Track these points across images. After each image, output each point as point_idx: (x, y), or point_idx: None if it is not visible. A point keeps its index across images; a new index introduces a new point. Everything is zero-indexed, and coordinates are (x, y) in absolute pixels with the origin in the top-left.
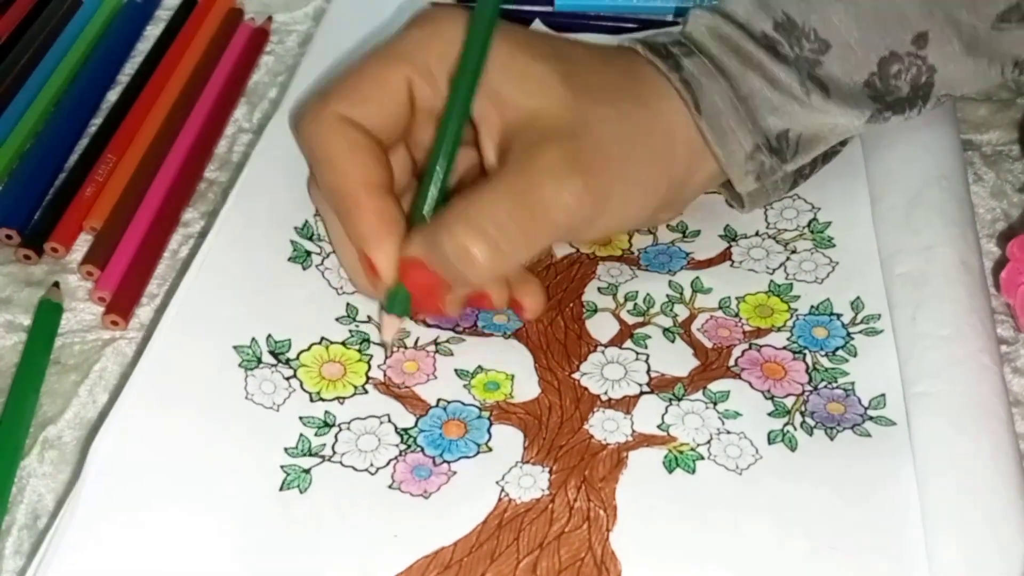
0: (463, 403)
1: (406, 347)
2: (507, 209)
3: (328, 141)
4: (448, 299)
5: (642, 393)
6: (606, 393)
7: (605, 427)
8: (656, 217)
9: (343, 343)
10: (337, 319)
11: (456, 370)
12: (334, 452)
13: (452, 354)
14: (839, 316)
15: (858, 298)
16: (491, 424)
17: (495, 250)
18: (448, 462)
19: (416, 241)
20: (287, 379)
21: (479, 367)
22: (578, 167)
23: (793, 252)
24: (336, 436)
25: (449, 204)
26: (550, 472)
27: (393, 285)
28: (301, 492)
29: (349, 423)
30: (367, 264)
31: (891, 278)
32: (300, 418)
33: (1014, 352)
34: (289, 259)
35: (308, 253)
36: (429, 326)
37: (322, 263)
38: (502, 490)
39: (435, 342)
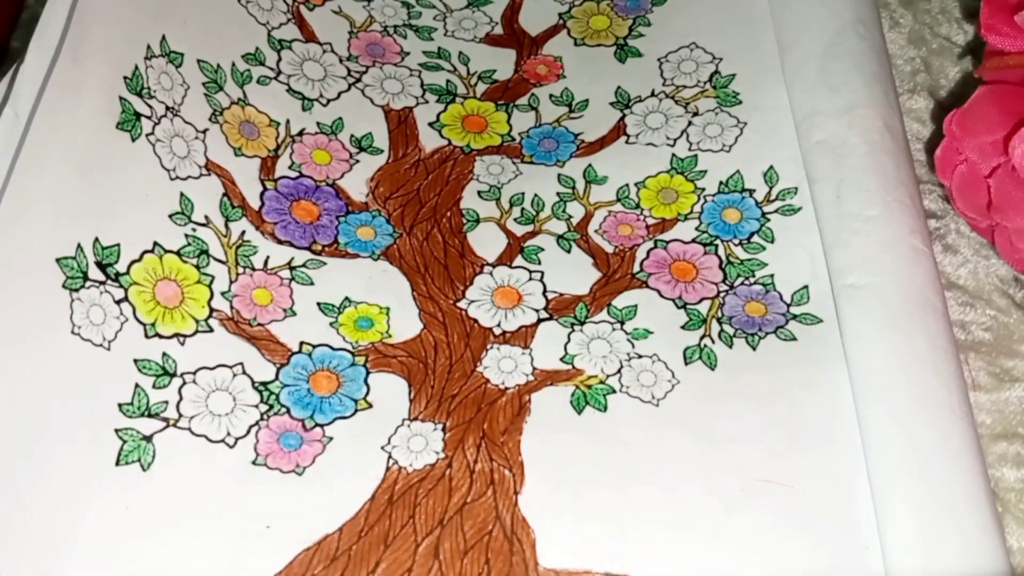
0: (331, 347)
1: (253, 268)
2: None
3: None
4: None
5: (540, 321)
6: (499, 325)
7: (502, 367)
8: None
9: (178, 253)
10: (171, 216)
11: (320, 304)
12: (180, 414)
13: (312, 282)
14: (751, 192)
15: (771, 168)
16: (368, 373)
17: None
18: (321, 425)
19: None
20: (118, 303)
21: (346, 299)
22: None
23: (695, 114)
24: (180, 391)
25: None
26: (443, 430)
27: None
28: (144, 469)
29: (194, 373)
30: None
31: (808, 146)
32: (135, 361)
33: (944, 227)
34: (118, 125)
35: (138, 116)
36: (280, 242)
37: (152, 131)
38: (389, 457)
39: (289, 266)
